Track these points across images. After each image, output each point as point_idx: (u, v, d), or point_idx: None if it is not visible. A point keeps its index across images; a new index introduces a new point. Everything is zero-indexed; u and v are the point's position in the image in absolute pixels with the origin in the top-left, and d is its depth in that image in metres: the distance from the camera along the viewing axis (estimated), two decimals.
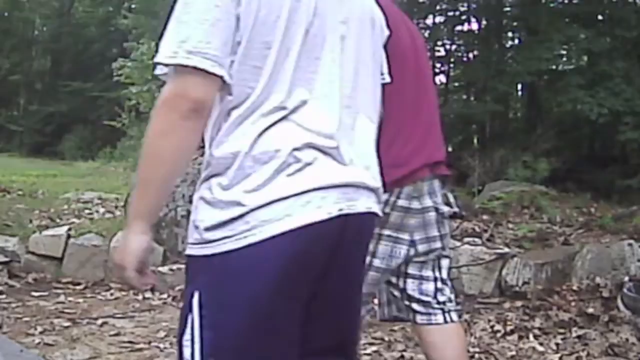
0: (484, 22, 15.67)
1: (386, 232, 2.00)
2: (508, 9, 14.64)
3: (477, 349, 3.37)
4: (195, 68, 1.22)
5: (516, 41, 15.03)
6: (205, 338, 1.27)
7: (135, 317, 3.94)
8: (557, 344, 3.45)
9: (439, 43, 17.14)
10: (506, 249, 4.85)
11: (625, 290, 3.98)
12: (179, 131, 1.25)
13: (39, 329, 3.59)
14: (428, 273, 2.10)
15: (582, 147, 13.12)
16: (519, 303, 4.22)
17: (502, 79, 11.62)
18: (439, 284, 2.11)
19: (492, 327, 3.71)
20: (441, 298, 2.09)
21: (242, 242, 1.25)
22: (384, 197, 1.64)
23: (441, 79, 18.49)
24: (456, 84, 18.27)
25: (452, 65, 17.62)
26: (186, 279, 1.35)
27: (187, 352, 1.28)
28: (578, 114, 10.50)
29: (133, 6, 16.63)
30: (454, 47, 16.98)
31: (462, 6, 15.41)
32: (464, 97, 17.38)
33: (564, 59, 12.44)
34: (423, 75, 2.12)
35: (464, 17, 15.62)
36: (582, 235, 5.54)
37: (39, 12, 22.71)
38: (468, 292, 4.58)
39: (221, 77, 1.25)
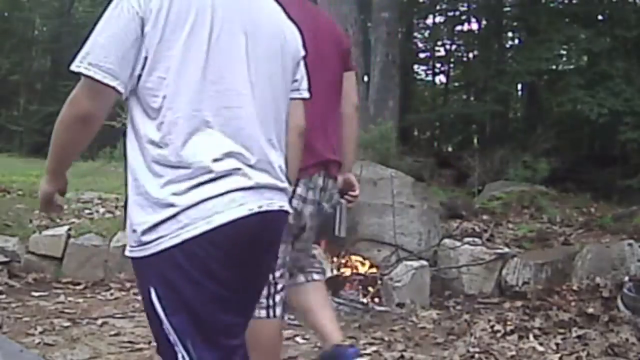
0: (484, 22, 15.70)
1: None
2: (508, 9, 14.65)
3: (477, 349, 3.37)
4: (91, 78, 1.44)
5: (516, 41, 15.06)
6: (173, 323, 1.48)
7: (135, 317, 3.93)
8: (557, 344, 3.45)
9: (439, 43, 17.18)
10: (506, 249, 4.84)
11: (625, 290, 3.98)
12: (70, 128, 1.52)
13: (39, 329, 3.59)
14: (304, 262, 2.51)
15: (582, 147, 13.14)
16: (519, 303, 4.22)
17: (502, 79, 11.62)
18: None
19: (492, 327, 3.70)
20: (304, 268, 2.52)
21: (176, 240, 1.43)
22: None
23: (441, 79, 18.55)
24: (456, 84, 18.30)
25: (452, 65, 17.65)
26: (137, 279, 1.57)
27: (171, 338, 1.49)
28: (578, 114, 10.51)
29: None
30: (454, 47, 17.01)
31: (462, 6, 15.44)
32: (464, 97, 17.41)
33: (564, 59, 12.45)
34: (322, 79, 2.24)
35: (464, 17, 15.65)
36: (582, 235, 5.54)
37: (39, 12, 22.61)
38: (468, 292, 4.59)
39: (113, 88, 1.45)
